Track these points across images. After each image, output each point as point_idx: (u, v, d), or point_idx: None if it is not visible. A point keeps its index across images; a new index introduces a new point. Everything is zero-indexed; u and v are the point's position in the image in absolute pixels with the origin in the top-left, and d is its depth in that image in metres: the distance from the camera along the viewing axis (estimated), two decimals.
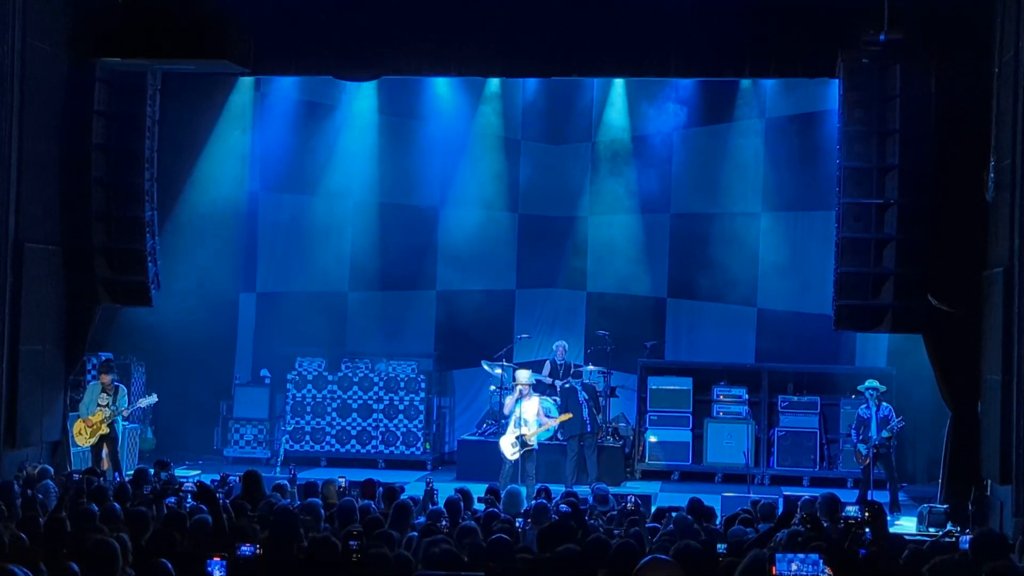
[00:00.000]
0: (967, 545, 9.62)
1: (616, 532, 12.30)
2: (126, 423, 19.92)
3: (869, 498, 18.60)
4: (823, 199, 21.30)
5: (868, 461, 19.13)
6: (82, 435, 19.01)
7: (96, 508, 11.48)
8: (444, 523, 12.54)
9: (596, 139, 24.57)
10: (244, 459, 22.73)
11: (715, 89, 23.27)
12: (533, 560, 8.55)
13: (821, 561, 6.83)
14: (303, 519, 11.51)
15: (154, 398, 19.96)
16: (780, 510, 14.36)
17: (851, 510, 11.45)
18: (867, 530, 10.88)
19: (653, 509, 16.37)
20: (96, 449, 19.02)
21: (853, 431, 19.65)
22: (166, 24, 17.68)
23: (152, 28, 17.70)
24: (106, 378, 19.18)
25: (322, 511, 12.45)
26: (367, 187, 24.45)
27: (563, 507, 12.83)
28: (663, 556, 5.92)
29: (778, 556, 6.93)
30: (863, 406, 19.53)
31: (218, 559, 7.77)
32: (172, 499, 13.37)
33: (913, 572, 8.36)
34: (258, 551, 8.62)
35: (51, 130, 18.76)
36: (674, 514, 12.86)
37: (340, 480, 15.45)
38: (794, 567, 6.87)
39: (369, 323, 24.69)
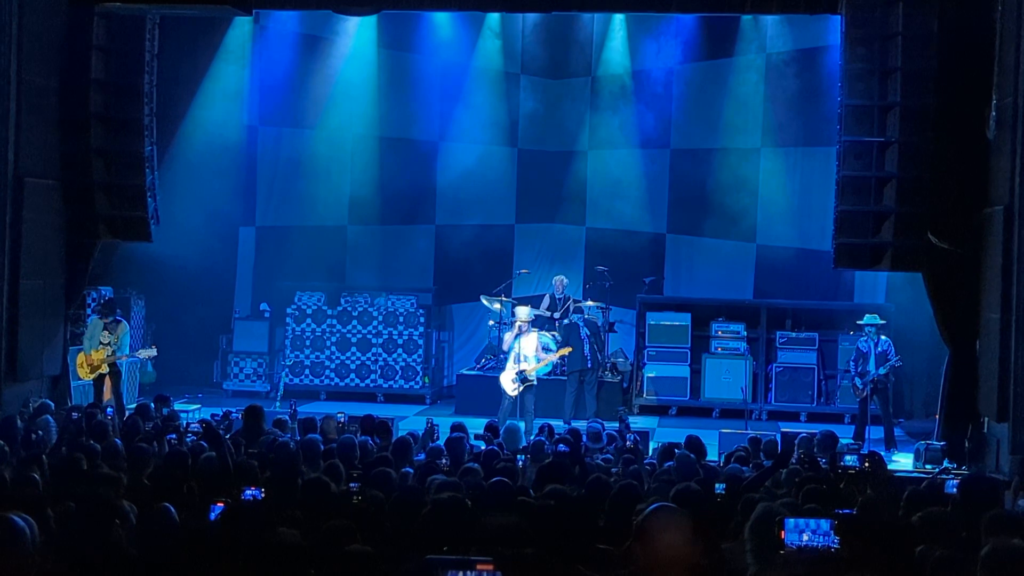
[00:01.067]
0: (953, 489, 9.62)
1: (614, 470, 12.36)
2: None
3: (866, 436, 18.78)
4: (824, 135, 21.25)
5: (865, 395, 19.24)
6: (83, 368, 19.07)
7: (97, 445, 11.56)
8: (444, 461, 12.60)
9: (596, 74, 24.46)
10: (244, 392, 22.87)
11: (715, 24, 23.12)
12: (533, 509, 8.59)
13: (832, 531, 6.83)
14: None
15: (154, 351, 19.86)
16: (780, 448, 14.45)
17: (850, 459, 11.45)
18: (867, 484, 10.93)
19: (651, 444, 16.49)
20: (98, 383, 19.08)
21: (852, 363, 19.72)
22: None
23: None
24: (106, 319, 19.19)
25: (321, 447, 12.51)
26: (366, 121, 24.36)
27: (561, 446, 12.89)
28: (669, 505, 5.94)
29: (788, 522, 6.92)
30: (863, 339, 19.58)
31: (221, 504, 7.81)
32: (173, 435, 13.45)
33: (907, 520, 8.40)
34: (262, 495, 8.67)
35: (50, 65, 18.67)
36: (678, 451, 12.92)
37: (339, 416, 15.51)
38: (805, 537, 6.87)
39: (368, 257, 24.70)
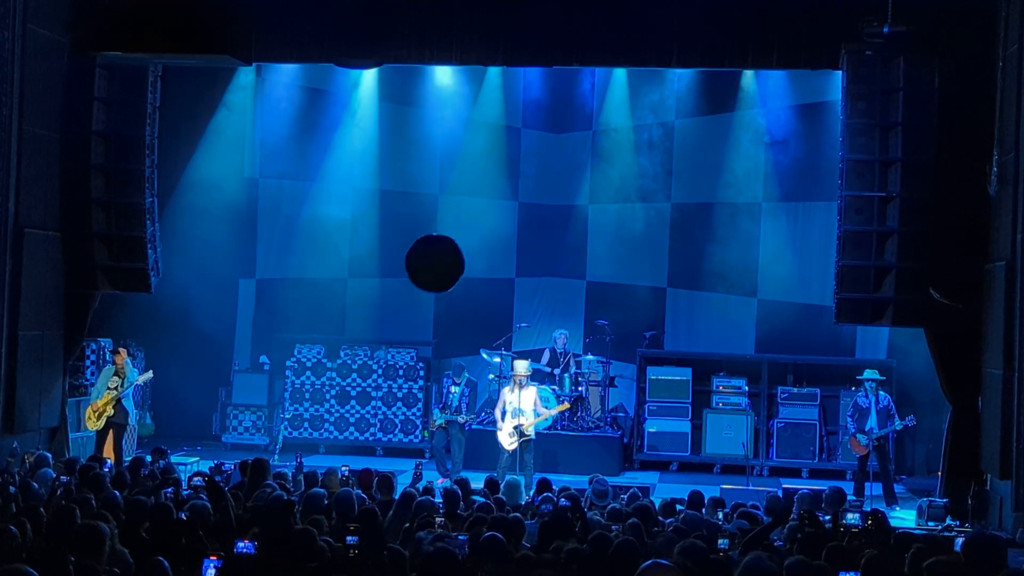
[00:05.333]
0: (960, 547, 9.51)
1: (615, 528, 12.24)
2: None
3: (866, 493, 18.66)
4: (825, 190, 21.27)
5: (867, 451, 19.14)
6: (91, 419, 19.02)
7: (93, 498, 11.46)
8: (439, 520, 12.46)
9: (597, 128, 24.48)
10: (242, 445, 22.77)
11: (716, 78, 23.13)
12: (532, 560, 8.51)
13: None
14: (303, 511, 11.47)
15: (150, 374, 19.90)
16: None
17: (851, 517, 11.34)
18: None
19: (653, 500, 16.34)
20: (101, 435, 19.01)
21: (850, 419, 19.65)
22: (166, 19, 17.67)
23: (152, 23, 17.69)
24: (120, 357, 19.15)
25: (324, 501, 12.40)
26: (367, 174, 24.38)
27: (563, 501, 12.79)
28: (663, 561, 5.88)
29: None
30: (861, 395, 19.53)
31: (214, 558, 7.71)
32: (170, 489, 13.31)
33: (914, 571, 8.31)
34: (256, 548, 8.55)
35: (51, 116, 18.73)
36: (680, 507, 12.81)
37: (343, 469, 15.38)
38: None
39: (368, 310, 24.60)
